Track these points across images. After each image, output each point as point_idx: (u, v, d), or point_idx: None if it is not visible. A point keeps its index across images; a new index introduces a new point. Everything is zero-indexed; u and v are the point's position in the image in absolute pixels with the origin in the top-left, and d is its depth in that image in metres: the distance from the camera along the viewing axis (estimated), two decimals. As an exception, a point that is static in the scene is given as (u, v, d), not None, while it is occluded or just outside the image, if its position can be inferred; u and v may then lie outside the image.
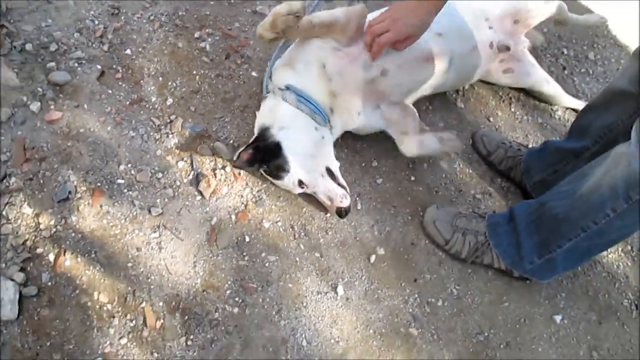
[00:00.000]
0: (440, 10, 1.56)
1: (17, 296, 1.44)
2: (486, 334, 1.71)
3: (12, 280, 1.46)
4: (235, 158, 1.63)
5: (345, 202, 1.65)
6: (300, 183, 1.65)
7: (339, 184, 1.67)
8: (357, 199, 1.83)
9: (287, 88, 1.68)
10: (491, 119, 2.20)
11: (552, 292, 1.85)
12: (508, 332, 1.73)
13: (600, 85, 2.48)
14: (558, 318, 1.80)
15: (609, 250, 2.02)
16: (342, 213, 1.66)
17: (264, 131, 1.66)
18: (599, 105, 1.76)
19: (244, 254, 1.65)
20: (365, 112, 1.78)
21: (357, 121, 1.80)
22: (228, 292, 1.58)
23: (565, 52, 2.54)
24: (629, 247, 2.07)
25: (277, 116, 1.67)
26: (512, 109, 2.26)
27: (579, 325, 1.82)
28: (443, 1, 1.54)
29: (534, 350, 1.72)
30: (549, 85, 2.25)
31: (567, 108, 2.34)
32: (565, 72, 2.47)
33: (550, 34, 2.56)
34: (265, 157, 1.63)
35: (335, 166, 1.71)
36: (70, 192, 1.61)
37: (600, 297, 1.91)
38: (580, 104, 2.29)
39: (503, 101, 2.26)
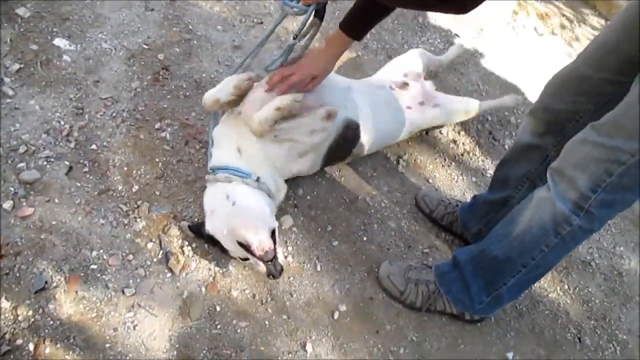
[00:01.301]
0: (339, 57, 1.91)
1: (-2, 388, 1.49)
2: (447, 376, 1.84)
3: (-7, 373, 1.51)
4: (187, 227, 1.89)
5: (265, 254, 1.68)
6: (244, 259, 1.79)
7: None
8: (317, 261, 1.99)
9: (212, 170, 1.89)
10: (430, 181, 2.44)
11: (502, 332, 2.02)
12: (467, 372, 1.87)
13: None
14: (510, 355, 1.96)
15: (548, 290, 2.23)
16: (272, 273, 1.70)
17: (201, 224, 1.85)
18: (511, 159, 2.00)
19: (216, 322, 1.75)
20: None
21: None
22: (203, 360, 1.67)
23: (489, 118, 2.86)
24: (567, 287, 2.29)
25: (213, 203, 1.85)
26: (448, 172, 2.52)
27: (530, 360, 1.99)
28: (341, 51, 1.89)
29: (492, 387, 1.87)
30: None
31: (490, 159, 2.63)
32: (492, 135, 2.78)
33: (473, 103, 2.89)
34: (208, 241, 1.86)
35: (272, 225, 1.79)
36: (46, 282, 1.69)
37: (546, 334, 2.09)
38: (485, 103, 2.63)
39: (440, 165, 2.52)
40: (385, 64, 2.57)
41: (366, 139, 2.17)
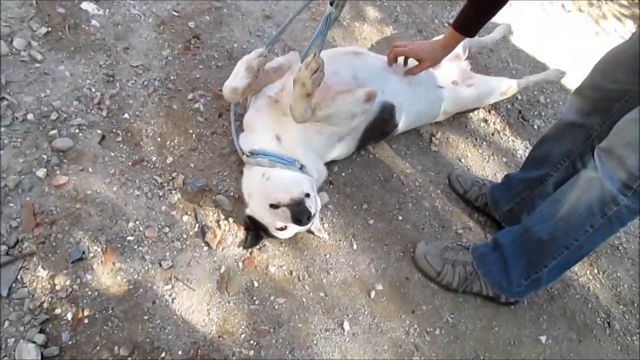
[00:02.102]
0: (449, 53, 1.96)
1: (39, 358, 1.47)
2: (482, 357, 1.84)
3: (33, 342, 1.49)
4: (239, 245, 1.85)
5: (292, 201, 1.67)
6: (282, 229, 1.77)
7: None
8: (352, 239, 1.97)
9: (252, 153, 1.85)
10: (462, 161, 2.41)
11: (535, 315, 2.02)
12: (501, 354, 1.87)
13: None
14: (543, 338, 1.96)
15: (578, 274, 2.22)
16: (297, 215, 1.66)
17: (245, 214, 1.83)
18: (552, 137, 1.98)
19: (254, 298, 1.74)
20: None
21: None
22: (242, 336, 1.66)
23: (519, 97, 2.81)
24: (596, 271, 2.28)
25: (250, 184, 1.84)
26: (480, 151, 2.48)
27: (562, 344, 1.98)
28: (454, 48, 1.96)
29: (525, 369, 1.87)
30: (511, 83, 2.49)
31: (520, 139, 2.59)
32: (521, 115, 2.73)
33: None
34: (259, 236, 1.83)
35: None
36: (83, 252, 1.67)
37: (577, 318, 2.08)
38: (523, 80, 2.57)
39: (472, 144, 2.48)
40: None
41: (402, 120, 2.14)
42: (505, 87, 2.48)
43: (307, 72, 1.62)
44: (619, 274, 2.30)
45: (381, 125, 2.07)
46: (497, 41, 2.90)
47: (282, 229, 1.75)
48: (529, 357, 1.90)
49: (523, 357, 1.89)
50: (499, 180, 2.29)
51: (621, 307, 2.20)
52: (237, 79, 1.85)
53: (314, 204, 1.75)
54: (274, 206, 1.71)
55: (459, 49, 2.42)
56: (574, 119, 1.86)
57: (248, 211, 1.82)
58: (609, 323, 2.12)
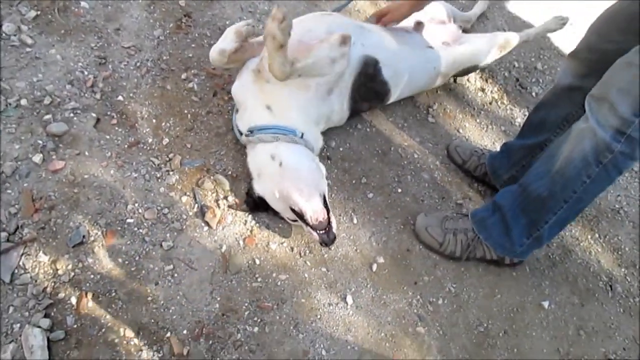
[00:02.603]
0: (415, 9, 2.03)
1: (46, 342, 1.48)
2: (485, 325, 1.85)
3: (39, 327, 1.50)
4: (229, 206, 1.87)
5: (319, 224, 1.66)
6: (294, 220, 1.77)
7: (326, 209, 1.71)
8: (352, 213, 1.97)
9: (251, 131, 1.83)
10: (460, 131, 2.39)
11: (537, 281, 2.03)
12: (504, 321, 1.88)
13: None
14: (546, 304, 1.97)
15: (579, 239, 2.22)
16: (325, 242, 1.69)
17: (250, 188, 1.84)
18: (549, 102, 1.97)
19: (256, 275, 1.74)
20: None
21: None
22: (246, 313, 1.67)
23: (516, 64, 2.78)
24: (597, 235, 2.28)
25: (258, 164, 1.83)
26: (478, 121, 2.47)
27: (565, 308, 2.00)
28: (418, 3, 2.01)
29: (529, 335, 1.88)
30: (503, 35, 2.45)
31: (518, 107, 2.57)
32: (519, 82, 2.71)
33: (501, 50, 2.81)
34: (259, 206, 1.83)
35: (323, 189, 1.78)
36: (84, 236, 1.67)
37: (579, 282, 2.09)
38: (523, 34, 2.51)
39: (469, 114, 2.47)
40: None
41: (392, 80, 2.09)
42: (502, 40, 2.40)
43: (274, 24, 1.57)
44: (620, 237, 2.31)
45: (368, 82, 2.01)
46: (480, 14, 2.87)
47: (295, 220, 1.75)
48: (532, 322, 1.91)
49: (526, 323, 1.91)
50: (498, 149, 2.28)
51: (623, 270, 2.21)
52: (225, 41, 1.87)
53: (326, 188, 1.78)
54: (294, 211, 1.70)
55: (442, 15, 2.39)
56: (571, 82, 1.84)
57: (257, 190, 1.80)
58: (611, 286, 2.13)
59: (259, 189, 1.79)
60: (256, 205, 1.83)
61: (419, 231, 1.96)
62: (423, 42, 2.24)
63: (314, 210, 1.65)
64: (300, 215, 1.68)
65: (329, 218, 1.68)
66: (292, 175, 1.71)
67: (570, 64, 1.85)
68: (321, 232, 1.66)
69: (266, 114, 1.83)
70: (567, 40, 3.00)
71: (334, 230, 1.70)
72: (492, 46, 2.37)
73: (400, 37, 2.14)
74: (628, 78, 1.42)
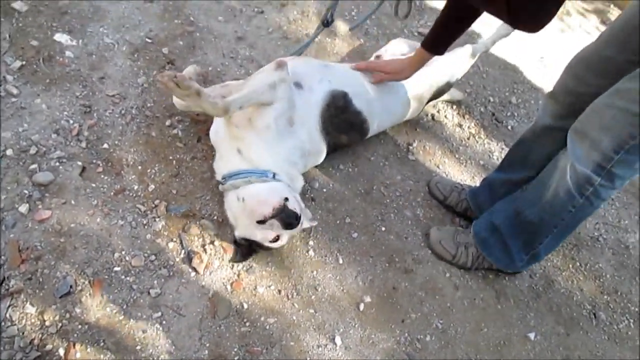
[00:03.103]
0: (417, 70, 2.07)
1: (33, 395, 1.47)
2: (474, 359, 1.88)
3: (26, 380, 1.49)
4: (230, 260, 1.88)
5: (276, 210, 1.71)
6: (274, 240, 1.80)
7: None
8: (338, 254, 1.99)
9: (224, 178, 1.88)
10: (440, 167, 2.45)
11: (522, 313, 2.06)
12: (492, 355, 1.90)
13: (527, 124, 2.82)
14: (532, 335, 2.00)
15: (561, 269, 2.27)
16: (287, 218, 1.71)
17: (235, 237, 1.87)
18: (530, 140, 2.04)
19: (245, 320, 1.75)
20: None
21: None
22: (236, 358, 1.67)
23: (492, 99, 2.87)
24: (578, 264, 2.33)
25: (231, 209, 1.87)
26: (457, 156, 2.53)
27: (551, 339, 2.03)
28: (422, 65, 2.05)
29: (516, 368, 1.91)
30: (462, 49, 2.50)
31: (495, 141, 2.64)
32: (495, 117, 2.79)
33: (475, 86, 2.90)
34: (250, 251, 1.86)
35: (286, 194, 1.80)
36: (71, 286, 1.67)
37: (563, 312, 2.13)
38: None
39: (448, 150, 2.54)
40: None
41: (366, 109, 2.13)
42: (467, 52, 2.47)
43: (171, 83, 1.61)
44: (600, 265, 2.36)
45: (340, 113, 2.04)
46: None
47: (276, 239, 1.78)
48: (519, 355, 1.94)
49: (514, 356, 1.93)
50: (478, 184, 2.33)
51: (605, 297, 2.25)
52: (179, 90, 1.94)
53: (297, 204, 1.78)
54: (261, 222, 1.73)
55: (404, 49, 2.45)
56: (550, 122, 1.92)
57: (238, 234, 1.83)
58: (594, 314, 2.17)
59: (238, 233, 1.83)
60: (247, 253, 1.85)
61: (434, 244, 2.09)
62: None
63: (267, 203, 1.71)
64: (264, 221, 1.71)
65: (287, 207, 1.71)
66: (252, 199, 1.77)
67: (549, 105, 1.93)
68: (281, 215, 1.70)
69: (237, 159, 1.87)
70: (539, 74, 3.12)
71: (307, 221, 1.79)
72: (459, 58, 2.45)
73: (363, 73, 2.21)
74: (608, 118, 1.52)
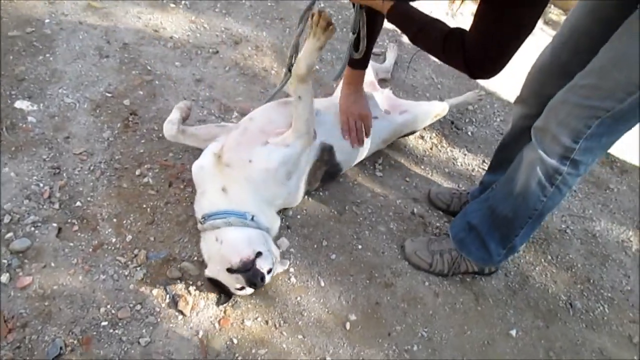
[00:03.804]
0: (358, 91, 2.24)
1: None
2: (461, 363, 1.94)
3: None
4: (217, 303, 1.91)
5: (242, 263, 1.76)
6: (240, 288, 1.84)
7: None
8: (319, 277, 2.05)
9: (203, 218, 1.92)
10: (408, 179, 2.54)
11: (502, 312, 2.14)
12: (478, 356, 1.97)
13: (485, 128, 2.94)
14: (513, 332, 2.08)
15: (534, 264, 2.37)
16: (250, 280, 1.76)
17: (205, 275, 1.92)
18: (511, 142, 2.18)
19: (236, 355, 1.79)
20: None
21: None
22: (232, 395, 1.71)
23: (448, 108, 2.98)
24: (550, 257, 2.43)
25: (207, 248, 1.92)
26: (422, 167, 2.63)
27: (532, 333, 2.10)
28: (355, 84, 2.22)
29: (503, 365, 1.98)
30: (435, 105, 2.68)
31: (457, 148, 2.75)
32: (454, 125, 2.90)
33: (432, 97, 3.02)
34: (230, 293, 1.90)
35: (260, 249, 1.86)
36: (61, 348, 1.69)
37: (541, 305, 2.22)
38: (452, 101, 2.82)
39: (413, 162, 2.63)
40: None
41: (343, 158, 2.25)
42: (440, 108, 2.66)
43: (318, 28, 1.79)
44: (571, 256, 2.46)
45: (323, 166, 2.16)
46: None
47: (241, 288, 1.82)
48: (503, 352, 2.01)
49: (498, 354, 2.00)
50: (476, 186, 2.44)
51: (579, 286, 2.35)
52: (170, 116, 2.14)
53: (269, 259, 1.83)
54: (230, 270, 1.78)
55: (370, 77, 2.59)
56: (525, 123, 2.03)
57: (207, 273, 1.88)
58: (570, 304, 2.26)
59: (208, 271, 1.88)
60: (228, 293, 1.89)
61: (410, 256, 2.17)
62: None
63: (237, 254, 1.76)
64: (235, 271, 1.76)
65: (255, 265, 1.76)
66: (228, 245, 1.82)
67: (521, 109, 2.10)
68: (247, 272, 1.75)
69: (220, 197, 1.92)
70: (490, 80, 3.24)
71: (258, 267, 1.77)
72: (429, 115, 2.63)
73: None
74: (564, 114, 1.65)
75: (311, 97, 1.95)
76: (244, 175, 1.93)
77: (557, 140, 1.68)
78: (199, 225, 1.95)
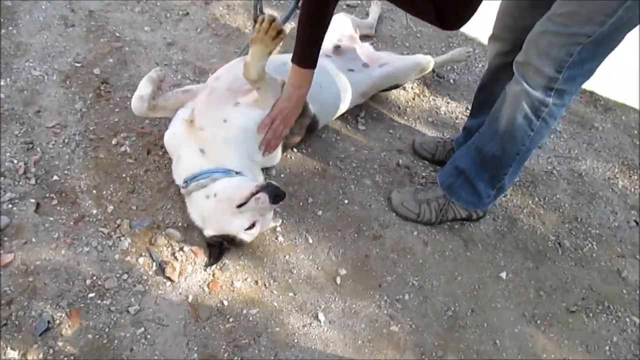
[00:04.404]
0: (306, 90, 1.95)
1: None
2: (453, 308, 1.95)
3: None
4: (205, 265, 1.89)
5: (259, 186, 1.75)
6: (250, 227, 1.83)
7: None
8: (307, 234, 2.03)
9: (186, 182, 1.88)
10: (391, 131, 2.51)
11: (491, 256, 2.14)
12: (469, 301, 1.98)
13: (467, 75, 2.90)
14: (503, 275, 2.08)
15: (522, 206, 2.36)
16: (275, 193, 1.74)
17: (206, 239, 1.89)
18: (490, 82, 2.16)
19: (228, 316, 1.78)
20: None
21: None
22: (225, 355, 1.70)
23: (429, 57, 2.93)
24: (537, 199, 2.42)
25: (198, 210, 1.88)
26: (405, 118, 2.59)
27: (522, 275, 2.11)
28: (304, 83, 1.93)
29: (494, 307, 1.98)
30: (417, 58, 2.58)
31: (440, 97, 2.71)
32: (435, 73, 2.85)
33: (412, 47, 2.96)
34: (222, 250, 1.88)
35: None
36: (49, 322, 1.67)
37: (530, 246, 2.22)
38: (438, 58, 2.71)
39: (396, 113, 2.59)
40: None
41: (319, 111, 2.19)
42: (424, 61, 2.54)
43: (266, 36, 1.74)
44: (558, 196, 2.46)
45: (299, 118, 2.08)
46: (378, 18, 3.05)
47: (250, 227, 1.80)
48: (494, 295, 2.02)
49: (490, 297, 2.01)
50: (460, 133, 2.41)
51: (567, 225, 2.35)
52: (140, 89, 1.98)
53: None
54: (241, 205, 1.75)
55: (349, 29, 2.52)
56: (501, 61, 2.01)
57: (208, 232, 1.85)
58: (559, 243, 2.27)
59: (209, 231, 1.85)
60: (219, 253, 1.88)
61: (397, 207, 2.16)
62: (344, 66, 2.34)
63: (249, 186, 1.75)
64: (245, 203, 1.74)
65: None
66: (224, 191, 1.79)
67: (495, 46, 2.05)
68: (266, 189, 1.73)
69: (200, 159, 1.88)
70: (470, 25, 3.16)
71: (275, 183, 1.78)
72: (412, 69, 2.53)
73: (323, 65, 2.19)
74: (544, 44, 1.62)
75: (271, 83, 1.90)
76: (221, 135, 1.88)
77: (539, 71, 1.66)
78: (182, 190, 1.91)
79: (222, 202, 1.79)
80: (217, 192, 1.81)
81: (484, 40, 3.08)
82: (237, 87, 1.95)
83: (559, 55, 1.60)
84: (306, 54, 1.85)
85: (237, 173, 1.87)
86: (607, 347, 1.96)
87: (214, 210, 1.82)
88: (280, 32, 1.75)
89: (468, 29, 3.14)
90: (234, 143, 1.90)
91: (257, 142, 1.97)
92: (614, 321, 2.04)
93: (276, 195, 1.73)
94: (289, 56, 1.91)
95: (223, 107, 1.91)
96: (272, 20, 1.73)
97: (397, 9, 3.11)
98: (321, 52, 2.23)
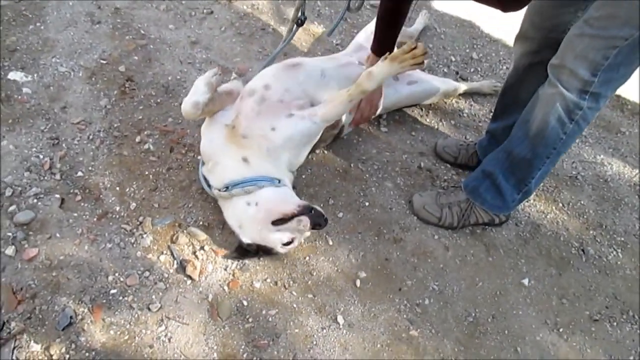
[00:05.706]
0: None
1: None
2: (473, 314, 1.92)
3: (42, 416, 1.52)
4: (225, 256, 1.92)
5: (303, 207, 1.75)
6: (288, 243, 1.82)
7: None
8: (327, 236, 2.03)
9: (227, 187, 1.85)
10: (414, 133, 2.49)
11: (513, 261, 2.11)
12: (490, 307, 1.96)
13: (491, 77, 2.86)
14: (525, 281, 2.06)
15: (545, 212, 2.33)
16: (318, 222, 1.75)
17: (240, 242, 1.87)
18: (515, 83, 2.12)
19: (247, 316, 1.79)
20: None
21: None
22: (244, 355, 1.71)
23: (453, 59, 2.90)
24: (561, 205, 2.38)
25: (237, 216, 1.87)
26: (427, 120, 2.57)
27: (544, 281, 2.08)
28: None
29: (515, 314, 1.96)
30: (447, 83, 2.59)
31: (464, 99, 2.68)
32: (459, 75, 2.82)
33: (435, 48, 2.93)
34: (246, 253, 1.89)
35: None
36: (71, 317, 1.69)
37: (553, 253, 2.19)
38: (465, 85, 2.70)
39: (419, 115, 2.57)
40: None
41: (347, 120, 2.19)
42: (452, 87, 2.57)
43: (410, 59, 1.79)
44: (582, 202, 2.42)
45: (330, 129, 2.09)
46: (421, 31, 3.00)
47: (288, 243, 1.81)
48: (516, 302, 1.99)
49: (511, 303, 1.99)
50: (483, 136, 2.38)
51: (591, 232, 2.31)
52: (197, 94, 1.79)
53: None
54: (278, 222, 1.76)
55: None
56: (529, 60, 2.00)
57: (245, 239, 1.84)
58: (583, 250, 2.23)
59: (246, 238, 1.84)
60: (243, 254, 1.88)
61: (418, 211, 2.14)
62: None
63: (292, 203, 1.76)
64: (283, 220, 1.74)
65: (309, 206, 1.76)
66: (267, 203, 1.79)
67: (522, 45, 2.02)
68: (309, 214, 1.73)
69: (243, 167, 1.85)
70: (495, 26, 3.15)
71: (318, 208, 1.77)
72: (439, 94, 2.55)
73: (350, 73, 2.14)
74: (581, 47, 1.62)
75: (355, 102, 1.94)
76: (266, 144, 1.85)
77: (575, 74, 1.66)
78: (220, 194, 1.87)
79: (261, 213, 1.79)
80: (259, 201, 1.80)
81: (509, 42, 3.07)
82: (289, 100, 1.91)
83: (595, 59, 1.59)
84: (385, 47, 1.94)
85: (279, 182, 1.86)
86: (631, 358, 1.93)
87: (252, 219, 1.81)
88: (425, 53, 1.80)
89: (493, 30, 3.11)
90: (275, 152, 1.88)
91: (299, 152, 1.97)
92: (638, 331, 2.00)
93: (317, 223, 1.74)
94: (323, 62, 2.09)
95: (275, 118, 1.87)
96: (425, 51, 1.79)
97: (422, 8, 3.11)
98: (354, 59, 2.24)
